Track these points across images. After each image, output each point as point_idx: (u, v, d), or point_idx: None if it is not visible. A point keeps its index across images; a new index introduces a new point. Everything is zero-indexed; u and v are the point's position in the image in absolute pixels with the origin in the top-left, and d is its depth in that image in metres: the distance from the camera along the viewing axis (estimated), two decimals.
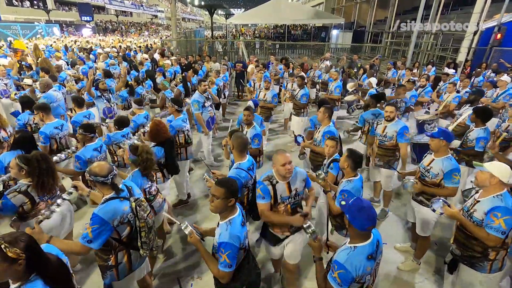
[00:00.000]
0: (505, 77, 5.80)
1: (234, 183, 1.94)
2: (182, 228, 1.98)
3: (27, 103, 4.31)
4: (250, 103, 4.73)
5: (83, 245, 1.89)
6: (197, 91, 5.05)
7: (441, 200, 2.39)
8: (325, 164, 3.18)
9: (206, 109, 4.99)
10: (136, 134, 3.99)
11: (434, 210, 2.40)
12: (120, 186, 2.16)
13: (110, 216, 1.94)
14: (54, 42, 16.98)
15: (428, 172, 2.85)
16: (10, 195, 2.36)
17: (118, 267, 2.11)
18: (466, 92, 5.94)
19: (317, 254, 1.88)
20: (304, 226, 2.02)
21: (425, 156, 3.05)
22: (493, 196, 2.09)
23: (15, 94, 5.67)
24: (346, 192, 2.44)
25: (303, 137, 3.93)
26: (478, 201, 2.19)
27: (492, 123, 4.35)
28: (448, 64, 9.77)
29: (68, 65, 9.08)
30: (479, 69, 8.30)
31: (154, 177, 3.37)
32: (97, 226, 1.89)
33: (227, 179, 2.05)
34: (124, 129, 3.86)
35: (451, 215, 2.28)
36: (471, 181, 4.34)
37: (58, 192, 2.71)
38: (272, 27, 32.34)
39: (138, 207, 2.08)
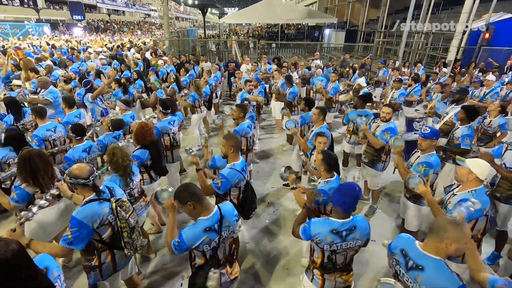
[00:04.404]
0: (490, 76, 5.93)
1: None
2: (164, 188, 2.14)
3: (12, 104, 4.28)
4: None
5: (64, 247, 1.89)
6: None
7: (417, 176, 2.47)
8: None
9: None
10: (127, 136, 3.96)
11: (408, 184, 2.50)
12: (101, 187, 2.14)
13: (89, 219, 1.93)
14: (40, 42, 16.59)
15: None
16: (23, 185, 2.40)
17: (102, 267, 2.11)
18: (452, 91, 6.05)
19: (308, 204, 2.34)
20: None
21: (413, 154, 3.15)
22: (468, 191, 2.25)
23: (4, 94, 5.59)
24: (322, 192, 2.49)
25: (296, 123, 3.94)
26: (455, 195, 2.33)
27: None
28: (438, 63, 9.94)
29: (56, 64, 8.93)
30: (463, 70, 8.52)
31: (141, 179, 3.32)
32: (76, 229, 1.88)
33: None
34: (115, 131, 3.83)
35: (423, 192, 2.39)
36: None
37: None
38: (266, 26, 32.28)
39: (119, 208, 2.05)
